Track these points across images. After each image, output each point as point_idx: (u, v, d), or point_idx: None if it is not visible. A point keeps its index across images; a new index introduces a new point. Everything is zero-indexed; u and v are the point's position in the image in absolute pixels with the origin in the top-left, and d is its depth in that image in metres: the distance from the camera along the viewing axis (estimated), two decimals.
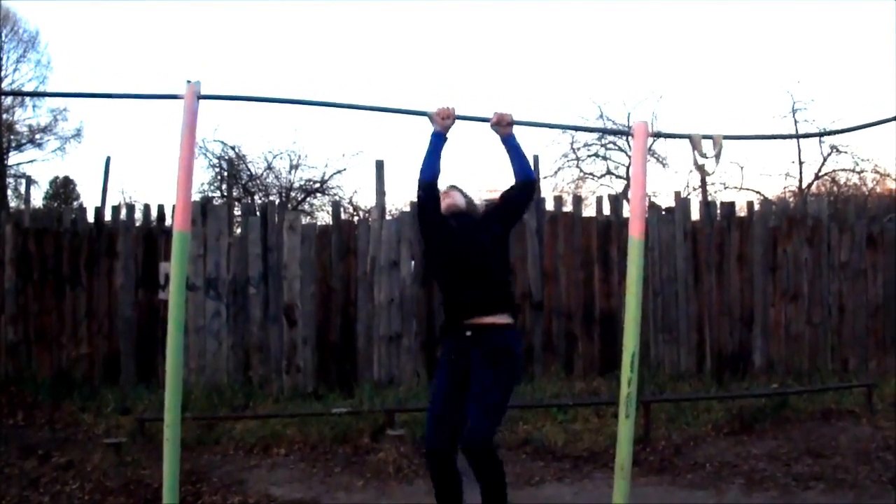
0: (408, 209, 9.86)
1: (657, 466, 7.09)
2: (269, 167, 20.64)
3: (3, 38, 25.20)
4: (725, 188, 21.98)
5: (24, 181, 20.24)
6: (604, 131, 25.32)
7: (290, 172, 20.92)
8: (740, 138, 4.06)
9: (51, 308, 9.78)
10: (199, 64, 36.55)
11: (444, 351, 4.33)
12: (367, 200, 20.29)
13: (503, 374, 4.03)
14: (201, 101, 3.33)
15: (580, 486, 6.67)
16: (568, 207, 10.24)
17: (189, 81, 3.33)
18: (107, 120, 40.50)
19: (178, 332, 3.22)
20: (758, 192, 21.47)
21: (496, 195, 4.69)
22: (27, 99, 24.69)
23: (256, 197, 20.14)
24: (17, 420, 8.69)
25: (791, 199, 20.49)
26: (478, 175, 36.78)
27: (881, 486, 6.35)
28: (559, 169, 22.88)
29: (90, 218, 10.02)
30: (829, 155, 21.42)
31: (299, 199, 20.95)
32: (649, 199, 13.43)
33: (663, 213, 10.25)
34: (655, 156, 21.87)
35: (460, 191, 4.55)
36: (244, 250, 9.68)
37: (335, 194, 20.49)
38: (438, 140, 4.03)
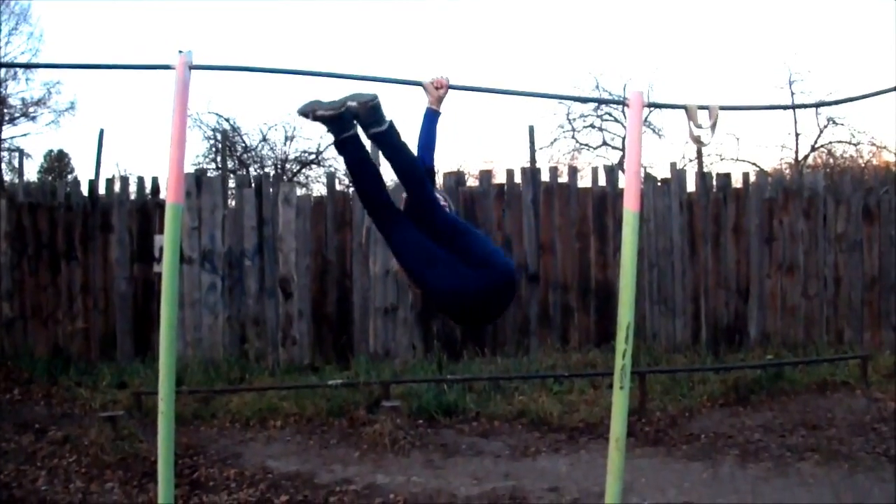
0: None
1: (652, 438, 7.13)
2: (264, 139, 20.51)
3: None
4: (721, 160, 21.89)
5: (17, 155, 20.10)
6: (599, 101, 25.17)
7: (285, 144, 20.82)
8: (736, 108, 4.03)
9: (46, 283, 9.76)
10: (193, 35, 36.24)
11: None
12: None
13: None
14: (194, 71, 3.30)
15: (576, 458, 6.72)
16: (564, 178, 10.20)
17: (181, 51, 3.30)
18: (101, 93, 40.20)
19: (171, 304, 3.21)
20: (754, 164, 21.36)
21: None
22: (20, 72, 24.41)
23: (252, 169, 20.02)
24: (13, 396, 8.70)
25: (787, 171, 20.43)
26: (474, 147, 36.61)
27: (875, 458, 6.40)
28: (555, 140, 22.77)
29: (84, 191, 9.97)
30: (825, 127, 21.32)
31: (294, 170, 20.85)
32: (645, 171, 13.40)
33: (659, 184, 10.22)
34: (651, 126, 21.80)
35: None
36: (239, 223, 9.65)
37: (330, 166, 20.37)
38: (432, 117, 3.95)
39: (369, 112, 3.65)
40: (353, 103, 3.63)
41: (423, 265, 3.70)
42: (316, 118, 3.66)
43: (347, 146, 3.76)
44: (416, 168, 3.81)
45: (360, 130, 3.77)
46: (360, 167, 3.83)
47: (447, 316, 3.90)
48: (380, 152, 3.84)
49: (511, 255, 9.75)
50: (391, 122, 3.72)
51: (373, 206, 3.89)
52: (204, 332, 9.53)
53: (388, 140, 3.73)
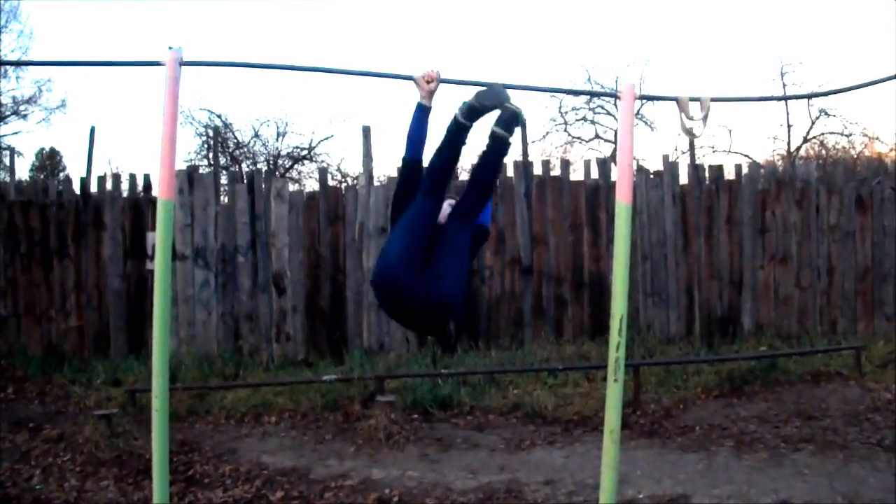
0: (395, 175, 9.81)
1: (647, 430, 7.14)
2: (256, 135, 20.57)
3: None
4: (714, 151, 22.01)
5: (8, 153, 20.06)
6: (591, 94, 25.29)
7: (277, 140, 20.86)
8: (728, 100, 4.03)
9: (39, 281, 9.73)
10: (184, 32, 36.16)
11: None
12: (354, 167, 20.24)
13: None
14: (184, 68, 3.30)
15: (571, 450, 6.72)
16: (556, 172, 10.20)
17: (171, 48, 3.29)
18: (92, 90, 40.10)
19: (164, 301, 3.20)
20: (746, 156, 21.44)
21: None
22: (10, 70, 24.36)
23: (244, 165, 20.04)
24: (7, 394, 8.68)
25: (780, 163, 20.50)
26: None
27: (870, 448, 6.42)
28: (547, 133, 22.89)
29: (76, 189, 9.94)
30: (817, 118, 21.42)
31: (287, 166, 20.86)
32: (637, 163, 13.40)
33: (651, 176, 10.22)
34: (643, 119, 21.86)
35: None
36: (232, 219, 9.63)
37: (323, 161, 20.39)
38: (422, 112, 3.93)
39: (511, 115, 3.75)
40: (509, 105, 3.73)
41: (400, 237, 3.79)
42: (477, 98, 3.71)
43: (458, 131, 3.82)
44: (494, 184, 4.14)
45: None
46: (448, 150, 3.89)
47: (372, 286, 3.97)
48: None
49: (504, 247, 9.77)
50: (510, 141, 3.86)
51: (430, 177, 3.91)
52: (198, 329, 9.52)
53: (499, 148, 3.85)
